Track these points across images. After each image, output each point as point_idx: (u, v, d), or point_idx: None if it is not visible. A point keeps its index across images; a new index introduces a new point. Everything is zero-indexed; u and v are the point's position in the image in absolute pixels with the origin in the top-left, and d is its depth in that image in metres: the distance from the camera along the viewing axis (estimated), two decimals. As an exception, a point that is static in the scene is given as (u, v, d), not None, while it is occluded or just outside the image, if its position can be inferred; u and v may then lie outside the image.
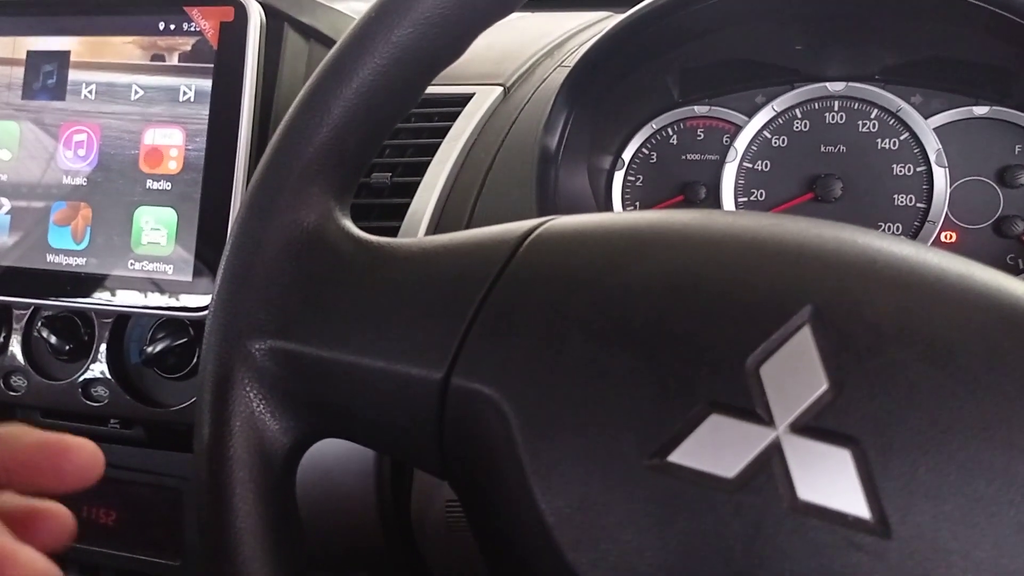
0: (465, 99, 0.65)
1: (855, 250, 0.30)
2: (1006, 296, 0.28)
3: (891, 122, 0.64)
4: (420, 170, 0.61)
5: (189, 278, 0.58)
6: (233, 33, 0.57)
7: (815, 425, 0.27)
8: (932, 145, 0.62)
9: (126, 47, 0.60)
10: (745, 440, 0.27)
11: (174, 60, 0.59)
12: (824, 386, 0.27)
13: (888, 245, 0.30)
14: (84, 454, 0.33)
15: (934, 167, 0.62)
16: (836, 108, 0.65)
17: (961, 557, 0.25)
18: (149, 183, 0.60)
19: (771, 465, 0.27)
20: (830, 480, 0.26)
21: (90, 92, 0.61)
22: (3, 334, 0.65)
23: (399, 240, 0.36)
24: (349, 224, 0.37)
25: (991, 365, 0.27)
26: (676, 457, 0.28)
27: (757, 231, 0.31)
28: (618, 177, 0.69)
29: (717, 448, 0.28)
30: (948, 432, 0.26)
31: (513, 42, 0.72)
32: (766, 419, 0.27)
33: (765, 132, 0.66)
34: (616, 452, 0.29)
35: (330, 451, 0.57)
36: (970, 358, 0.27)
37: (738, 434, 0.28)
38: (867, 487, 0.26)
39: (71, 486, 0.33)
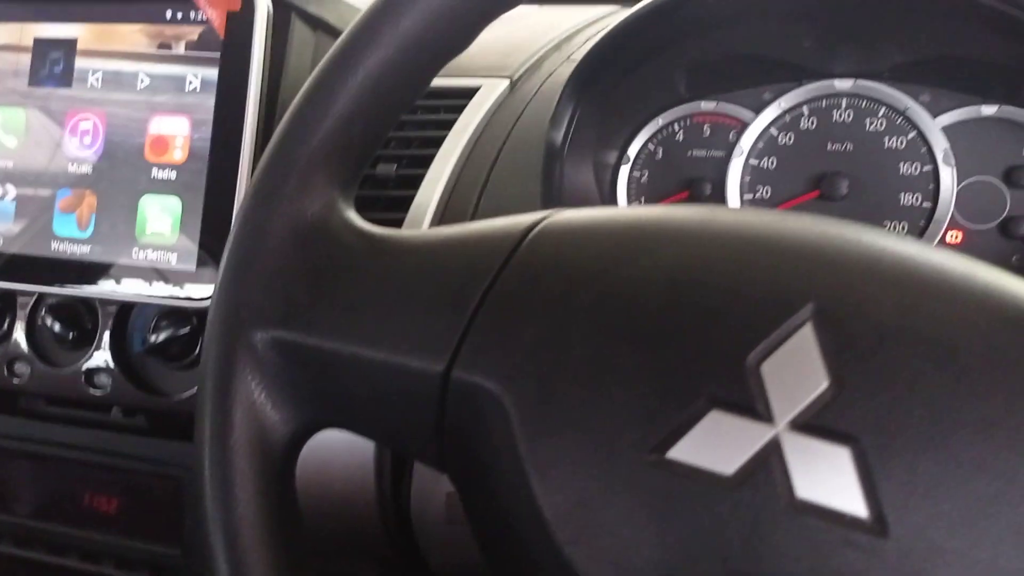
0: (471, 92, 0.65)
1: (858, 248, 0.30)
2: (1008, 296, 0.28)
3: (899, 120, 0.63)
4: (425, 162, 0.61)
5: (193, 267, 0.58)
6: (240, 23, 0.57)
7: (815, 423, 0.27)
8: (940, 144, 0.62)
9: (133, 35, 0.60)
10: (744, 437, 0.27)
11: (181, 49, 0.59)
12: (825, 384, 0.27)
13: (891, 244, 0.30)
14: None
15: (941, 166, 0.62)
16: (843, 106, 0.65)
17: (958, 557, 0.25)
18: (154, 172, 0.60)
19: (770, 463, 0.27)
20: (828, 478, 0.26)
21: (97, 80, 0.61)
22: (7, 321, 0.65)
23: (402, 231, 0.36)
24: (353, 215, 0.37)
25: (992, 365, 0.26)
26: (675, 453, 0.28)
27: (760, 228, 0.31)
28: (623, 172, 0.69)
29: (716, 445, 0.28)
30: (948, 431, 0.26)
31: (520, 35, 0.72)
32: (766, 416, 0.27)
33: (772, 129, 0.66)
34: (615, 448, 0.29)
35: (330, 443, 0.57)
36: (971, 357, 0.27)
37: (738, 431, 0.27)
38: (865, 486, 0.26)
39: None
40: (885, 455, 0.26)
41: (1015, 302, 0.28)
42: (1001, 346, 0.27)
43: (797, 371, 0.28)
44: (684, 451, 0.28)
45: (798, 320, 0.28)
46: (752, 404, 0.28)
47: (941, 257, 0.30)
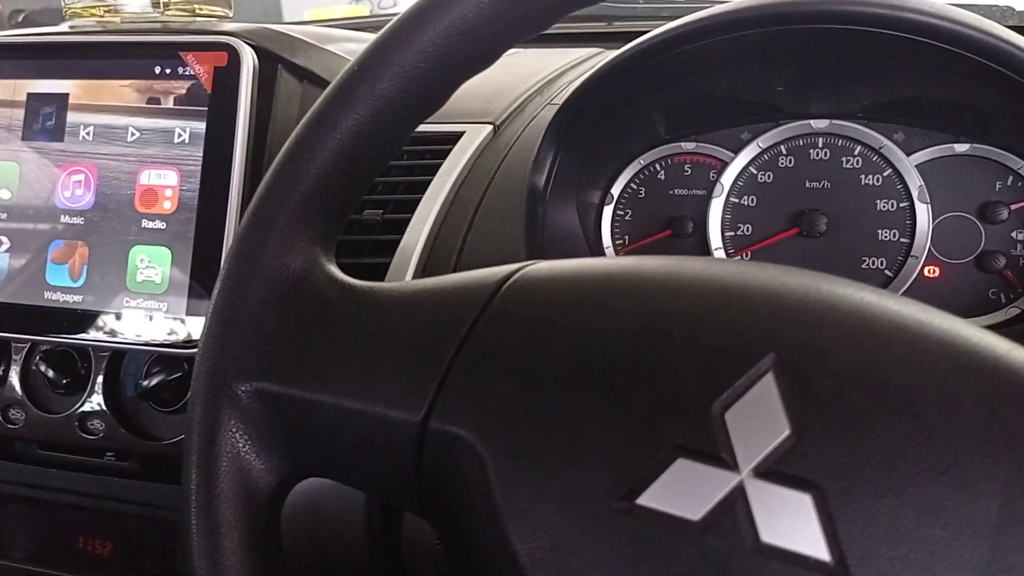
0: (456, 137, 0.66)
1: (818, 298, 0.31)
2: (962, 343, 0.29)
3: (874, 159, 0.65)
4: (411, 207, 0.63)
5: (183, 315, 0.59)
6: (227, 77, 0.59)
7: (777, 470, 0.28)
8: (914, 181, 0.63)
9: (123, 90, 0.62)
10: (710, 484, 0.28)
11: (169, 103, 0.61)
12: (786, 432, 0.28)
13: (851, 293, 0.31)
14: None
15: (917, 203, 0.63)
16: (820, 144, 0.66)
17: (917, 600, 0.26)
18: (144, 222, 0.61)
19: (735, 508, 0.28)
20: (792, 523, 0.27)
21: (88, 134, 0.63)
22: (2, 368, 0.66)
23: (382, 284, 0.38)
24: (334, 269, 0.38)
25: (947, 411, 0.27)
26: (644, 500, 0.29)
27: (725, 279, 0.32)
28: (607, 212, 0.70)
29: (683, 491, 0.28)
30: (905, 476, 0.27)
31: (503, 80, 0.73)
32: (731, 463, 0.28)
33: (751, 168, 0.67)
34: (587, 495, 0.30)
35: (322, 485, 0.57)
36: (926, 404, 0.28)
37: (704, 478, 0.28)
38: (827, 530, 0.27)
39: None
40: (845, 500, 0.27)
41: (968, 348, 0.29)
42: (955, 393, 0.28)
43: (760, 419, 0.29)
44: (653, 498, 0.29)
45: (760, 370, 0.29)
46: (717, 452, 0.28)
47: (898, 305, 0.31)
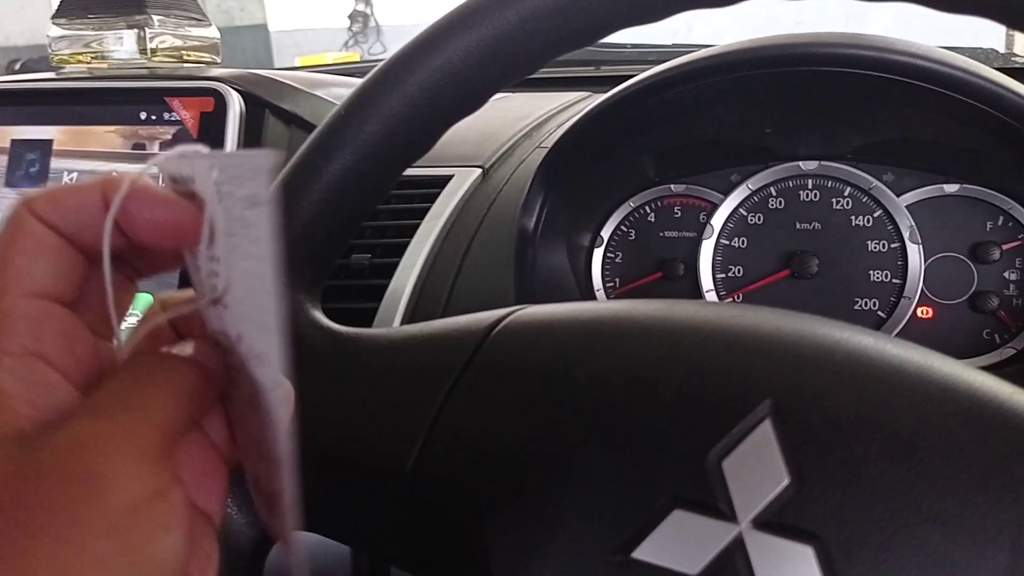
0: (444, 180, 0.66)
1: (814, 342, 0.30)
2: (963, 388, 0.28)
3: (864, 199, 0.64)
4: (399, 251, 0.62)
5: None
6: (213, 122, 0.58)
7: (777, 520, 0.27)
8: (905, 222, 0.63)
9: (108, 136, 0.61)
10: (708, 536, 0.27)
11: (155, 148, 0.60)
12: (785, 481, 0.27)
13: (847, 336, 0.31)
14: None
15: (908, 244, 0.63)
16: (810, 186, 0.66)
17: (924, 656, 0.25)
18: (128, 269, 0.60)
19: (734, 561, 0.27)
20: (793, 577, 0.26)
21: (72, 179, 0.62)
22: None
23: (368, 331, 0.37)
24: (319, 315, 0.37)
25: (949, 458, 0.27)
26: (640, 553, 0.28)
27: (718, 324, 0.31)
28: (597, 254, 0.69)
29: (680, 544, 0.28)
30: (908, 527, 0.26)
31: (492, 123, 0.73)
32: (729, 514, 0.27)
33: (741, 210, 0.67)
34: (581, 548, 0.29)
35: (306, 540, 0.56)
36: (929, 451, 0.27)
37: (701, 530, 0.27)
38: (830, 584, 0.26)
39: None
40: (847, 552, 0.26)
41: (970, 393, 0.28)
42: (958, 440, 0.27)
43: (758, 468, 0.28)
44: (649, 551, 0.28)
45: (757, 416, 0.28)
46: (715, 503, 0.28)
47: (897, 349, 0.30)
